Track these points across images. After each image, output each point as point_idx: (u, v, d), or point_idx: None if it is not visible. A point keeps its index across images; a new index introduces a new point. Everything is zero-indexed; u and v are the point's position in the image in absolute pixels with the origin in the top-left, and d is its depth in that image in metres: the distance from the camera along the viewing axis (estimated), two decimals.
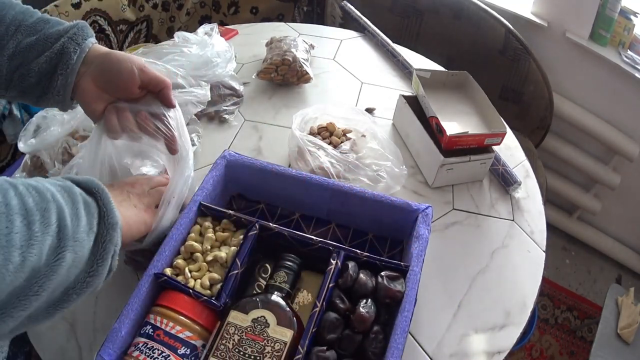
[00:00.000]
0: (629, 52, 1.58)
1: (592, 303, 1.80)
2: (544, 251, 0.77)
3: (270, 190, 0.70)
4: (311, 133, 0.83)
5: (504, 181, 0.85)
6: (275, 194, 0.70)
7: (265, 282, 0.61)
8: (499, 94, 1.55)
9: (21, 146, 0.75)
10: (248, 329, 0.51)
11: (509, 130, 0.86)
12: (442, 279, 0.70)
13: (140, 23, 1.39)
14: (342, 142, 0.80)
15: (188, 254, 0.58)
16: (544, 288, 1.80)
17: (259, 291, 0.61)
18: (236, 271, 0.55)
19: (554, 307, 1.77)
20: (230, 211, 0.62)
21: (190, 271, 0.57)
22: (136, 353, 0.49)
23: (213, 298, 0.53)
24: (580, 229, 1.93)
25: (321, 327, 0.52)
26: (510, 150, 0.94)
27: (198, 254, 0.58)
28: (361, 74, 1.09)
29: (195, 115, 0.90)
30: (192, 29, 1.03)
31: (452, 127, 0.82)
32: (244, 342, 0.50)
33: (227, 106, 0.96)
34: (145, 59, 0.84)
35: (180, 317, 0.51)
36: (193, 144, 0.86)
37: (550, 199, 1.93)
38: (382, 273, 0.56)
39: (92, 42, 0.57)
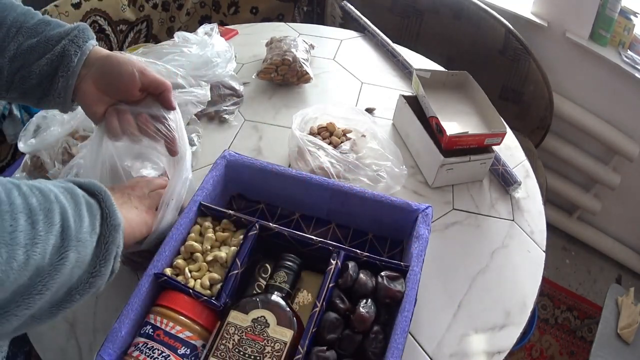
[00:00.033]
0: (629, 52, 1.58)
1: (592, 303, 1.80)
2: (544, 251, 0.77)
3: (270, 190, 0.70)
4: (311, 133, 0.83)
5: (504, 181, 0.85)
6: (275, 194, 0.70)
7: (265, 282, 0.61)
8: (499, 94, 1.55)
9: (21, 146, 0.75)
10: (248, 329, 0.51)
11: (509, 130, 0.86)
12: (442, 279, 0.70)
13: (140, 23, 1.39)
14: (342, 142, 0.80)
15: (188, 254, 0.58)
16: (544, 288, 1.80)
17: (259, 291, 0.61)
18: (236, 271, 0.55)
19: (554, 307, 1.77)
20: (230, 211, 0.62)
21: (190, 271, 0.57)
22: (136, 353, 0.49)
23: (213, 298, 0.53)
24: (580, 229, 1.93)
25: (321, 327, 0.52)
26: (510, 150, 0.94)
27: (198, 254, 0.58)
28: (361, 74, 1.09)
29: (195, 115, 0.90)
30: (192, 29, 1.03)
31: (452, 127, 0.82)
32: (244, 342, 0.50)
33: (227, 106, 0.96)
34: (145, 59, 0.84)
35: (180, 317, 0.51)
36: (193, 144, 0.86)
37: (550, 199, 1.93)
38: (382, 273, 0.56)
39: (93, 45, 0.57)
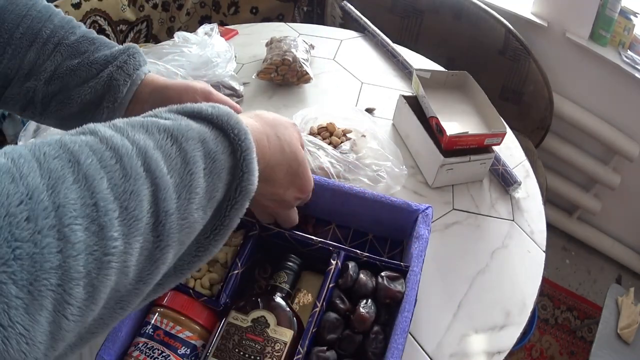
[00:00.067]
0: (629, 52, 1.58)
1: (592, 303, 1.80)
2: (544, 251, 0.77)
3: None
4: (311, 133, 0.83)
5: (504, 181, 0.85)
6: None
7: (265, 282, 0.61)
8: (499, 94, 1.55)
9: None
10: (248, 329, 0.51)
11: (509, 130, 0.86)
12: (442, 279, 0.70)
13: (140, 23, 1.39)
14: (342, 142, 0.80)
15: None
16: (544, 288, 1.80)
17: (259, 291, 0.61)
18: (236, 271, 0.55)
19: (554, 307, 1.77)
20: None
21: None
22: (136, 353, 0.49)
23: (213, 298, 0.53)
24: (580, 229, 1.93)
25: (321, 327, 0.52)
26: (510, 150, 0.94)
27: None
28: (361, 74, 1.09)
29: None
30: (192, 29, 1.03)
31: (452, 127, 0.82)
32: (244, 342, 0.50)
33: None
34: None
35: (180, 317, 0.51)
36: None
37: (550, 199, 1.93)
38: (382, 273, 0.56)
39: (145, 72, 0.50)
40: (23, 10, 0.47)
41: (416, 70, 0.90)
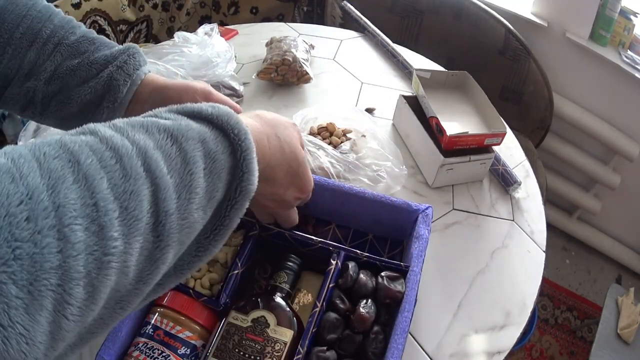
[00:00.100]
0: (629, 52, 1.58)
1: (592, 303, 1.80)
2: (544, 251, 0.77)
3: None
4: (311, 133, 0.83)
5: (504, 181, 0.85)
6: None
7: (265, 282, 0.61)
8: (499, 94, 1.55)
9: None
10: (248, 329, 0.51)
11: (509, 130, 0.86)
12: (442, 279, 0.70)
13: (140, 23, 1.39)
14: (342, 142, 0.80)
15: None
16: (544, 288, 1.80)
17: (259, 291, 0.61)
18: (236, 271, 0.55)
19: (554, 307, 1.77)
20: None
21: None
22: (136, 353, 0.49)
23: (213, 298, 0.53)
24: (580, 229, 1.93)
25: (321, 327, 0.52)
26: (510, 150, 0.94)
27: None
28: (361, 74, 1.09)
29: None
30: (192, 29, 1.03)
31: (452, 127, 0.82)
32: (244, 342, 0.50)
33: None
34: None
35: (180, 317, 0.51)
36: None
37: (550, 199, 1.93)
38: (382, 273, 0.56)
39: (145, 72, 0.50)
40: (23, 10, 0.47)
41: (416, 70, 0.90)
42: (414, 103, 0.88)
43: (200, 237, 0.36)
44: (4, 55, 0.47)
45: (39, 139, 0.28)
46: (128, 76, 0.48)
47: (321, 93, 1.03)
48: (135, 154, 0.29)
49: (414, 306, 0.57)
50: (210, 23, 1.03)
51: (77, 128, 0.31)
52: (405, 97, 0.90)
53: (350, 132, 0.83)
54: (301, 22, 1.57)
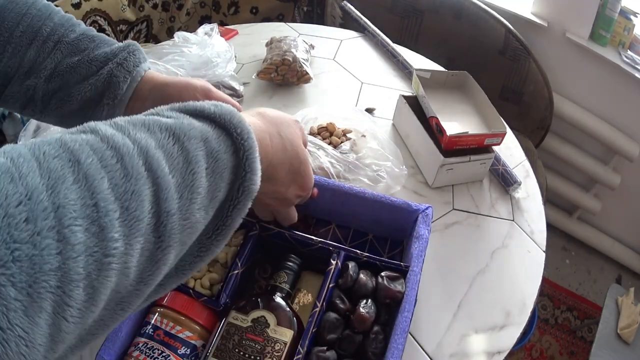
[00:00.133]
0: (629, 52, 1.58)
1: (592, 303, 1.80)
2: (544, 251, 0.77)
3: None
4: (311, 133, 0.83)
5: (504, 181, 0.85)
6: None
7: (265, 282, 0.61)
8: (499, 94, 1.55)
9: None
10: (248, 329, 0.51)
11: (509, 130, 0.86)
12: (442, 279, 0.70)
13: (140, 23, 1.39)
14: (342, 142, 0.80)
15: None
16: (544, 288, 1.80)
17: (259, 291, 0.61)
18: (236, 271, 0.55)
19: (554, 307, 1.77)
20: None
21: None
22: (136, 353, 0.49)
23: (213, 298, 0.53)
24: (580, 229, 1.93)
25: (321, 327, 0.52)
26: (510, 150, 0.94)
27: None
28: (361, 74, 1.09)
29: None
30: (192, 29, 1.03)
31: (452, 127, 0.82)
32: (244, 342, 0.50)
33: None
34: None
35: (180, 317, 0.51)
36: None
37: (550, 199, 1.93)
38: (382, 273, 0.56)
39: (145, 69, 0.50)
40: (23, 8, 0.47)
41: (416, 70, 0.90)
42: (414, 103, 0.88)
43: (202, 237, 0.36)
44: (4, 53, 0.47)
45: (38, 138, 0.28)
46: (128, 73, 0.48)
47: (321, 93, 1.03)
48: (136, 153, 0.29)
49: (414, 306, 0.57)
50: (210, 23, 1.03)
51: (77, 126, 0.30)
52: (405, 97, 0.90)
53: (350, 132, 0.83)
54: (301, 22, 1.57)
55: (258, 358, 0.49)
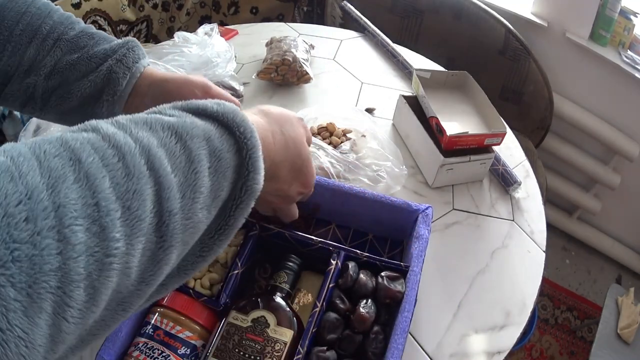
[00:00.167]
0: (629, 52, 1.58)
1: (592, 303, 1.80)
2: (544, 251, 0.77)
3: None
4: (311, 133, 0.83)
5: (504, 181, 0.85)
6: None
7: (265, 282, 0.61)
8: (499, 94, 1.55)
9: None
10: (248, 329, 0.51)
11: (508, 130, 0.86)
12: (442, 279, 0.70)
13: (140, 23, 1.39)
14: (342, 142, 0.80)
15: None
16: (544, 288, 1.80)
17: (259, 291, 0.61)
18: (236, 271, 0.55)
19: (554, 307, 1.77)
20: None
21: None
22: (136, 353, 0.49)
23: (213, 298, 0.53)
24: (580, 229, 1.93)
25: (321, 327, 0.52)
26: (510, 150, 0.94)
27: None
28: (361, 74, 1.09)
29: None
30: (192, 29, 1.03)
31: (452, 127, 0.82)
32: (244, 342, 0.50)
33: None
34: None
35: (180, 317, 0.51)
36: None
37: (550, 199, 1.93)
38: (382, 273, 0.56)
39: (144, 65, 0.51)
40: (22, 7, 0.48)
41: (416, 70, 0.90)
42: (414, 103, 0.88)
43: (204, 237, 0.35)
44: (3, 52, 0.47)
45: (39, 137, 0.28)
46: (127, 69, 0.49)
47: (321, 93, 1.03)
48: (138, 152, 0.29)
49: (414, 306, 0.57)
50: (210, 23, 1.03)
51: (78, 125, 0.30)
52: (405, 97, 0.90)
53: (350, 132, 0.83)
54: (301, 22, 1.57)
55: (258, 358, 0.49)
